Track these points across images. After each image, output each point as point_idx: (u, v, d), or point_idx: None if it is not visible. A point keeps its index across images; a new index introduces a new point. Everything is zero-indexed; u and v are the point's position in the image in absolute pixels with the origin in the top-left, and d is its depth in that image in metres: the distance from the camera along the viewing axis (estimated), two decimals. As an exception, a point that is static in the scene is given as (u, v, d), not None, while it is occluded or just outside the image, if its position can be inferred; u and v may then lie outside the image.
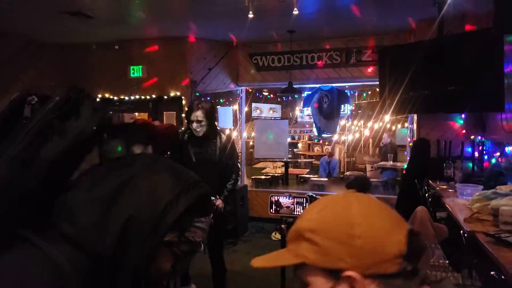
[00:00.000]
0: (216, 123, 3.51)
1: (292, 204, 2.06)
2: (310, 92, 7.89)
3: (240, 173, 3.39)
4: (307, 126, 10.77)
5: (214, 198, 3.12)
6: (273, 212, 2.10)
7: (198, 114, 3.29)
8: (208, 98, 6.96)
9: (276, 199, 2.08)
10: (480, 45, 3.96)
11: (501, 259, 1.92)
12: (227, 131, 8.11)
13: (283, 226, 2.11)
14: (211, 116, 3.39)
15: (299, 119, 11.65)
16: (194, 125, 3.29)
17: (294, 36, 5.99)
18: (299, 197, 2.07)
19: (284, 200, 2.07)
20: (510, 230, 2.26)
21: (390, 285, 0.67)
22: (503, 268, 1.88)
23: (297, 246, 0.72)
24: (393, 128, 10.64)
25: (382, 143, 10.00)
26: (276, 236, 5.90)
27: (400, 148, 10.79)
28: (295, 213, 2.08)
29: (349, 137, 10.91)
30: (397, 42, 5.63)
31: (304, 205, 2.07)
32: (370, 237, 0.67)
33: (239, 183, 7.05)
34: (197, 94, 6.37)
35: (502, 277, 1.94)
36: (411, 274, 0.68)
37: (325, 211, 0.73)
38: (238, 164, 3.39)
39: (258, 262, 0.77)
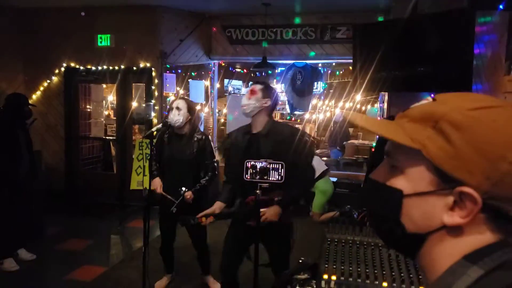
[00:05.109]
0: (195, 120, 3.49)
1: (268, 171, 2.02)
2: (284, 68, 7.83)
3: (216, 172, 3.42)
4: (280, 103, 10.73)
5: (184, 189, 3.15)
6: (249, 177, 2.05)
7: (179, 102, 3.26)
8: (179, 71, 6.77)
9: (253, 163, 2.03)
10: (451, 25, 3.99)
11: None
12: (198, 107, 7.98)
13: (258, 192, 2.07)
14: (192, 110, 3.35)
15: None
16: (173, 112, 3.20)
17: (269, 9, 5.88)
18: (274, 163, 2.03)
19: (260, 166, 2.03)
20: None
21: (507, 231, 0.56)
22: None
23: (418, 128, 0.60)
24: (363, 108, 10.66)
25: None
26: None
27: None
28: (270, 178, 2.04)
29: (320, 116, 10.95)
30: (373, 21, 5.62)
31: (280, 171, 2.03)
32: None
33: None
34: (168, 66, 6.18)
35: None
36: None
37: (485, 113, 0.57)
38: (215, 164, 3.38)
39: (358, 119, 0.65)
